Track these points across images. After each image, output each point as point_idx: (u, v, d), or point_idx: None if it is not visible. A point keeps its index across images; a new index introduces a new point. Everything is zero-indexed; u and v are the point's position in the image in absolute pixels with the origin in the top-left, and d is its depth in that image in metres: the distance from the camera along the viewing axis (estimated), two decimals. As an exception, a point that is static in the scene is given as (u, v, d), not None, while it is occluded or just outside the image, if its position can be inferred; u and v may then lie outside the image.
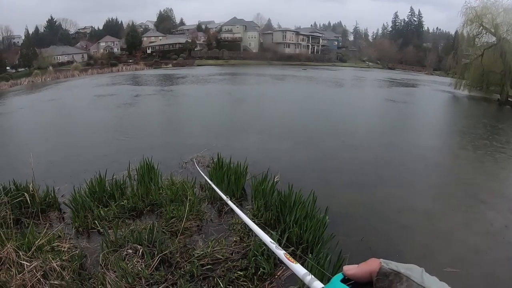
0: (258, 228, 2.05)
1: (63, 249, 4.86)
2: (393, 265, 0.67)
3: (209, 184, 7.40)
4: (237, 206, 3.23)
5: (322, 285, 1.00)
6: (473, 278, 5.25)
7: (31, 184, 6.76)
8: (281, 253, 1.49)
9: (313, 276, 1.07)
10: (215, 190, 7.03)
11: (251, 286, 4.37)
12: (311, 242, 5.24)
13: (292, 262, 1.32)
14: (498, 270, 5.58)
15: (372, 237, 6.21)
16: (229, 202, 3.40)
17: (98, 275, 4.30)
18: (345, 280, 0.74)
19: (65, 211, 6.59)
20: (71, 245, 5.09)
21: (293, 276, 4.60)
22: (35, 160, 7.37)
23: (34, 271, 4.17)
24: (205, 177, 6.56)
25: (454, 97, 34.50)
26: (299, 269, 1.23)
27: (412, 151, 12.98)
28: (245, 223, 5.80)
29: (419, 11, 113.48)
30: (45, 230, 5.19)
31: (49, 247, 4.79)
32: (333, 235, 5.34)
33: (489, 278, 5.36)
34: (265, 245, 4.83)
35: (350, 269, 0.74)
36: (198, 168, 7.70)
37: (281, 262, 4.89)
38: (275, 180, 7.50)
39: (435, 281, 0.64)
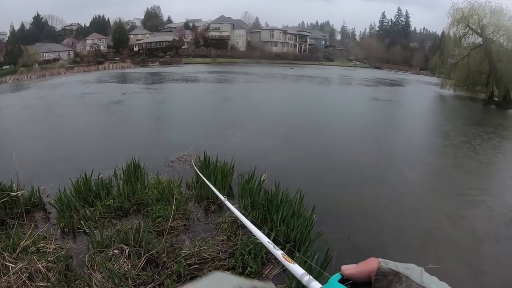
0: (256, 228, 2.04)
1: (48, 250, 4.81)
2: (392, 264, 0.66)
3: (196, 184, 7.46)
4: (235, 207, 3.24)
5: (320, 285, 0.99)
6: (456, 275, 5.31)
7: (16, 184, 6.69)
8: (279, 253, 1.48)
9: (311, 277, 1.07)
10: (202, 189, 7.08)
11: (238, 285, 4.37)
12: (299, 240, 5.26)
13: (290, 262, 1.32)
14: (485, 266, 5.68)
15: (360, 235, 6.27)
16: (227, 203, 3.42)
17: (84, 276, 4.27)
18: (343, 280, 0.72)
19: (51, 211, 6.52)
20: (57, 246, 5.03)
21: (281, 275, 4.64)
22: (19, 160, 7.30)
23: (20, 273, 4.13)
24: (203, 177, 6.54)
25: (440, 97, 34.90)
26: (297, 270, 1.23)
27: (398, 150, 13.13)
28: (235, 222, 5.85)
29: (406, 12, 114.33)
30: (30, 231, 5.11)
31: (34, 248, 4.74)
32: (321, 233, 5.35)
33: (474, 274, 5.45)
34: (255, 244, 4.86)
35: (348, 269, 0.72)
36: (196, 169, 7.65)
37: (279, 262, 4.89)
38: (262, 179, 7.53)
39: (435, 281, 0.63)
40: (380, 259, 0.68)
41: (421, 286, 0.61)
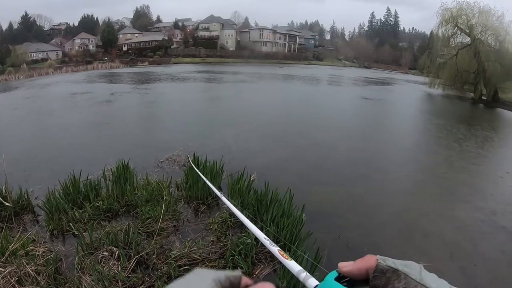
0: (252, 224, 2.03)
1: (37, 253, 4.77)
2: (391, 261, 0.65)
3: (185, 185, 7.44)
4: (231, 202, 3.25)
5: (317, 283, 0.97)
6: (447, 271, 5.36)
7: (4, 186, 6.62)
8: (275, 249, 1.47)
9: (308, 273, 1.06)
10: (192, 190, 7.08)
11: (229, 286, 4.38)
12: (288, 240, 5.28)
13: (287, 259, 1.30)
14: (474, 265, 5.75)
15: (350, 234, 6.31)
16: (223, 198, 3.43)
17: (74, 279, 4.26)
18: (340, 278, 0.71)
19: (39, 213, 6.46)
20: (46, 248, 5.00)
21: (272, 275, 4.66)
22: (8, 161, 7.24)
23: (9, 277, 4.09)
24: (198, 172, 6.57)
25: (429, 96, 35.17)
26: (293, 266, 1.21)
27: (388, 149, 13.21)
28: (225, 222, 5.86)
29: (395, 11, 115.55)
30: (18, 234, 5.07)
31: (23, 252, 4.70)
32: (310, 232, 5.38)
33: (463, 271, 5.52)
34: (245, 244, 4.86)
35: (346, 266, 0.71)
36: (193, 165, 7.65)
37: (270, 262, 4.83)
38: (251, 179, 7.55)
39: (434, 278, 0.62)
40: (378, 256, 0.68)
41: (420, 284, 0.60)
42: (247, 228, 2.21)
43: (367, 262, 0.68)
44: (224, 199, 3.36)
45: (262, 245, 5.08)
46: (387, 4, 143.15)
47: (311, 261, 4.11)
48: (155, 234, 5.45)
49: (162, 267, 4.64)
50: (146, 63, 74.04)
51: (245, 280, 0.63)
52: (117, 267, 4.51)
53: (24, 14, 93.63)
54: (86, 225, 5.72)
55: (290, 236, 5.32)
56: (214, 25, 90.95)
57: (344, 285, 0.69)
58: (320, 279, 0.94)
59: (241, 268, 4.59)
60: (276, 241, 5.29)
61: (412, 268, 0.63)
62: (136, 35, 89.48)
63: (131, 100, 24.76)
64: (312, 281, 1.00)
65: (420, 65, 46.39)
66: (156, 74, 47.38)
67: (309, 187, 8.44)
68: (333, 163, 10.79)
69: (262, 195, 6.38)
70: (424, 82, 38.98)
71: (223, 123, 16.23)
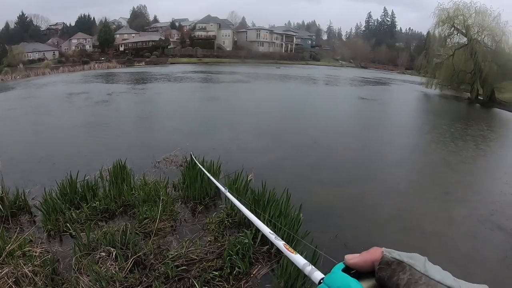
0: (257, 219, 2.02)
1: (35, 254, 4.73)
2: (396, 254, 0.67)
3: (182, 185, 7.44)
4: (235, 197, 3.24)
5: (323, 275, 0.97)
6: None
7: (0, 187, 6.59)
8: (280, 243, 1.47)
9: (313, 267, 1.06)
10: (189, 190, 7.08)
11: (226, 286, 4.38)
12: (286, 239, 5.27)
13: (292, 252, 1.30)
14: (473, 265, 5.77)
15: (347, 234, 6.31)
16: (228, 194, 3.43)
17: (71, 280, 4.23)
18: (347, 270, 0.73)
19: (36, 214, 6.42)
20: (43, 249, 4.97)
21: (269, 275, 4.65)
22: (4, 161, 7.21)
23: (6, 278, 4.06)
24: (202, 169, 6.57)
25: (425, 96, 35.28)
26: (299, 260, 1.21)
27: (384, 149, 13.23)
28: (222, 222, 5.86)
29: (392, 12, 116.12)
30: (15, 235, 5.05)
31: (20, 252, 4.67)
32: (308, 232, 5.38)
33: (462, 271, 5.53)
34: (242, 244, 4.86)
35: (352, 258, 0.73)
36: (196, 161, 7.64)
37: (267, 262, 4.82)
38: (248, 179, 7.54)
39: (438, 270, 0.64)
40: (383, 248, 0.70)
41: (425, 275, 0.62)
42: (252, 223, 2.20)
43: (373, 254, 0.70)
44: (228, 194, 3.37)
45: (260, 245, 5.12)
46: (384, 4, 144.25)
47: (312, 248, 4.10)
48: (152, 234, 5.43)
49: (160, 267, 4.62)
50: (143, 63, 74.02)
51: None
52: (115, 268, 4.49)
53: (21, 14, 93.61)
54: (83, 225, 5.68)
55: (287, 235, 5.31)
56: (211, 25, 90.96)
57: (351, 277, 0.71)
58: (324, 272, 0.95)
59: (239, 268, 4.59)
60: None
61: (417, 260, 0.65)
62: (133, 35, 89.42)
63: (128, 100, 24.71)
64: (318, 274, 1.01)
65: (417, 65, 46.64)
66: (153, 74, 47.36)
67: (306, 186, 8.44)
68: (331, 162, 10.80)
69: (260, 195, 6.36)
70: (421, 82, 39.14)
71: (220, 123, 16.25)
